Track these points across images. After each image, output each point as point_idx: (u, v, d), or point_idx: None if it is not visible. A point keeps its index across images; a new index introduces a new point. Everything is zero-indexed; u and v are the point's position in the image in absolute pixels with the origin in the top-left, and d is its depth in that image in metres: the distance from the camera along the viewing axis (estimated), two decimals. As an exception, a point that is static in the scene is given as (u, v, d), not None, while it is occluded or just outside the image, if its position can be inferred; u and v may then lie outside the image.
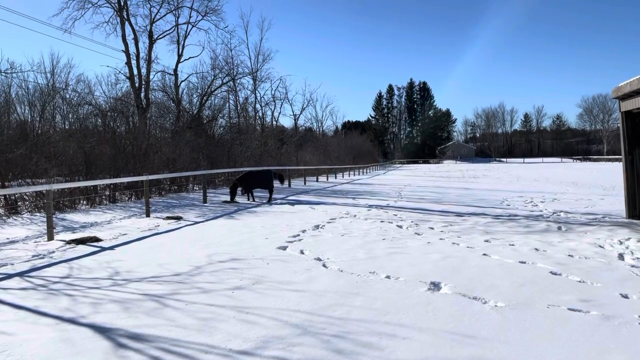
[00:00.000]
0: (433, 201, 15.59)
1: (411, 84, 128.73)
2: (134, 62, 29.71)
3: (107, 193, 15.76)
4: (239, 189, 16.38)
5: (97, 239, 8.64)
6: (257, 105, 45.63)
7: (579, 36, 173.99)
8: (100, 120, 21.67)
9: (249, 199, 16.20)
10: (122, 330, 4.03)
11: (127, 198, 16.41)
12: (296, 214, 12.37)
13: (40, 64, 48.27)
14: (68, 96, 29.79)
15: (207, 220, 11.29)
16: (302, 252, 7.21)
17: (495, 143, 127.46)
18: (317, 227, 9.82)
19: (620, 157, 10.82)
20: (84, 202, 14.49)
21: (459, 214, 11.72)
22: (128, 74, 29.55)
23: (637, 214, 10.32)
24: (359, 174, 46.03)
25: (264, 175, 16.63)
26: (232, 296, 4.97)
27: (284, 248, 7.56)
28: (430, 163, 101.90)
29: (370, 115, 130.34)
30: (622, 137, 10.63)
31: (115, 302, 4.83)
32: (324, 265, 6.31)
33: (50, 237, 8.79)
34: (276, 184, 17.79)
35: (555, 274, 5.69)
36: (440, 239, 8.24)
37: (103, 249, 7.84)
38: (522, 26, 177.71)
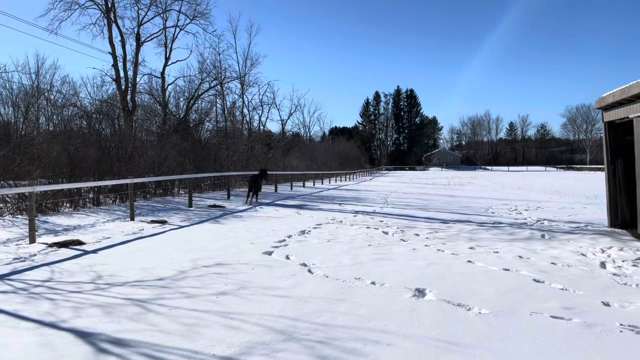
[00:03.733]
0: (419, 208, 15.66)
1: (398, 91, 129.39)
2: (120, 64, 29.55)
3: (91, 196, 15.57)
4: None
5: (80, 242, 8.53)
6: (245, 110, 45.54)
7: (563, 47, 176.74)
8: (85, 122, 21.46)
9: (248, 200, 17.19)
10: (103, 335, 3.98)
11: (111, 201, 16.23)
12: (282, 219, 12.35)
13: (25, 65, 47.60)
14: (53, 97, 29.48)
15: (192, 225, 11.21)
16: (287, 258, 7.18)
17: (480, 151, 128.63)
18: (303, 232, 9.81)
19: (603, 166, 10.98)
20: (67, 204, 14.30)
21: (444, 221, 11.78)
22: (114, 76, 29.35)
23: (619, 223, 10.47)
24: (345, 180, 46.09)
25: (257, 177, 17.99)
26: (217, 301, 4.93)
27: (270, 253, 7.54)
28: (416, 170, 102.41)
29: (358, 122, 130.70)
30: (604, 147, 10.80)
31: (98, 306, 4.77)
32: (309, 271, 6.30)
33: (32, 240, 8.65)
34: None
35: (538, 281, 5.74)
36: (426, 245, 8.27)
37: (86, 252, 7.73)
38: (508, 36, 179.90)
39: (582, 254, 7.41)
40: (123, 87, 29.35)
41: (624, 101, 9.53)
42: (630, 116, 9.49)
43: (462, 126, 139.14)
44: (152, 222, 11.56)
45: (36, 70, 39.05)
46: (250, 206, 15.96)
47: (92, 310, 4.65)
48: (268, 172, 20.21)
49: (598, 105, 10.77)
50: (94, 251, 7.82)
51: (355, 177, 55.12)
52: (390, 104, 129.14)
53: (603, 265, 6.64)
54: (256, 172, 19.11)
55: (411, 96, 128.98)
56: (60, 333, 4.05)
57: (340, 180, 44.15)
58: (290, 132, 62.98)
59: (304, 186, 30.92)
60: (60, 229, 10.44)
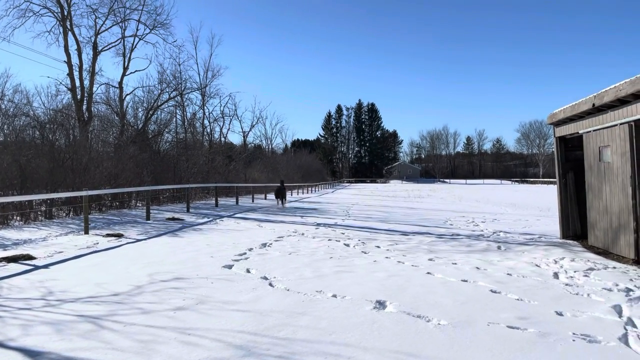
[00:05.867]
0: (380, 220, 15.80)
1: (360, 105, 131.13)
2: (76, 73, 28.66)
3: (44, 209, 15.00)
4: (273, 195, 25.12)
5: (30, 257, 8.17)
6: (206, 121, 44.85)
7: (517, 64, 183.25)
8: (38, 133, 20.73)
9: (278, 204, 23.67)
10: (53, 354, 3.81)
11: (65, 214, 15.69)
12: (243, 231, 12.21)
13: (-26, 72, 45.55)
14: (4, 107, 28.29)
15: (149, 238, 10.94)
16: (248, 271, 7.09)
17: (439, 164, 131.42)
18: (264, 245, 9.72)
19: (555, 180, 11.38)
20: (18, 217, 13.73)
21: (405, 233, 11.92)
22: (70, 86, 28.45)
23: (571, 235, 10.85)
24: (307, 192, 46.10)
25: (281, 188, 24.42)
26: (174, 317, 4.81)
27: (230, 267, 7.42)
28: (377, 182, 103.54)
29: (320, 134, 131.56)
30: (556, 161, 11.20)
31: (48, 323, 4.57)
32: (270, 285, 6.24)
33: (-22, 255, 8.24)
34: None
35: (495, 292, 5.86)
36: (386, 257, 8.33)
37: (36, 267, 7.42)
38: (466, 52, 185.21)
39: (536, 265, 7.63)
40: (79, 96, 28.48)
41: (574, 117, 9.94)
42: (580, 131, 9.90)
43: (422, 140, 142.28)
44: (108, 235, 11.21)
45: (-14, 78, 37.44)
46: (283, 207, 22.10)
47: (42, 327, 4.45)
48: (285, 184, 26.27)
49: (550, 120, 11.19)
50: (45, 266, 7.51)
51: (317, 189, 55.23)
52: (352, 117, 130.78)
53: (556, 275, 6.85)
54: (278, 184, 25.64)
55: (372, 110, 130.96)
56: (8, 352, 3.85)
57: (303, 193, 44.13)
58: (252, 144, 62.59)
59: (265, 198, 30.73)
60: (9, 243, 9.99)
